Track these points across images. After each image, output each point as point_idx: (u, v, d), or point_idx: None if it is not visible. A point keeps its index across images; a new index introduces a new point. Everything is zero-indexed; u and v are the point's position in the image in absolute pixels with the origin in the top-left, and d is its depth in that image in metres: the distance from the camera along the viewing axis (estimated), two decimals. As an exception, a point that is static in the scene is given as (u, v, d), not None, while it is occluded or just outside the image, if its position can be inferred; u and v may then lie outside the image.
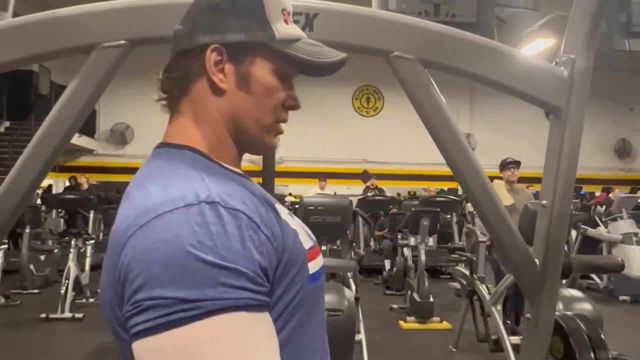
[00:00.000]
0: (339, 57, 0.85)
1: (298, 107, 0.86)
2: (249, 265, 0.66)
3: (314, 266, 0.79)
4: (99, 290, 0.79)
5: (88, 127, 14.64)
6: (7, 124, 13.29)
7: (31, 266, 7.15)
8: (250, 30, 0.79)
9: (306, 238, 0.81)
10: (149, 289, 0.62)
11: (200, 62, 0.79)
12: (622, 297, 7.06)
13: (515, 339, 3.87)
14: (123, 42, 1.17)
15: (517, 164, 5.25)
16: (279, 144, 0.88)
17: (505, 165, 5.28)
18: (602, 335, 2.02)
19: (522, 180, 5.44)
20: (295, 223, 0.81)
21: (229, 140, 0.83)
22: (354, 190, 12.43)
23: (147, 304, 0.62)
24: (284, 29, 0.82)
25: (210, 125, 0.81)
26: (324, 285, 0.86)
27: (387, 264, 7.92)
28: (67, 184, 12.69)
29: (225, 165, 0.82)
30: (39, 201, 10.05)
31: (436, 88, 1.35)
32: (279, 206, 0.80)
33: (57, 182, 13.60)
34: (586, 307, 2.92)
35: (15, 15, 1.41)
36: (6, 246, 6.82)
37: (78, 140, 13.55)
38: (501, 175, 5.29)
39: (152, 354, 0.62)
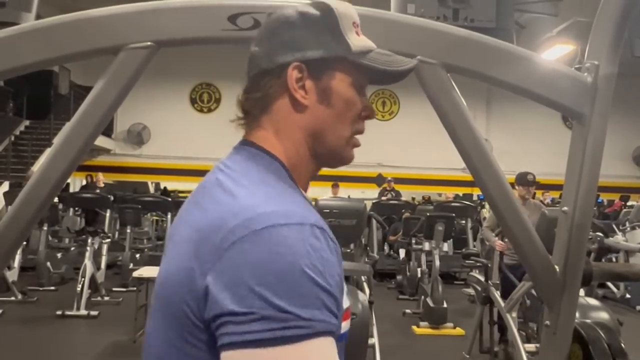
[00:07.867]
0: (410, 65, 0.87)
1: (374, 116, 0.88)
2: (340, 294, 0.69)
3: (343, 327, 0.79)
4: (159, 269, 0.77)
5: (106, 127, 14.75)
6: (27, 122, 13.48)
7: (48, 263, 7.25)
8: (328, 45, 0.81)
9: (345, 297, 0.81)
10: (266, 298, 0.62)
11: (282, 80, 0.81)
12: (639, 307, 6.96)
13: (529, 347, 3.83)
14: (150, 43, 1.18)
15: (535, 183, 5.20)
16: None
17: (524, 182, 5.21)
18: (622, 344, 1.99)
19: (537, 187, 5.37)
20: None
21: (308, 156, 0.84)
22: (368, 194, 12.40)
23: (264, 313, 0.62)
24: (358, 41, 0.84)
25: (291, 141, 0.82)
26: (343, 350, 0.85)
27: (402, 252, 8.11)
28: (84, 182, 12.83)
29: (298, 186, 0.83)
30: (56, 199, 10.18)
31: (458, 92, 1.34)
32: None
33: (74, 181, 13.74)
34: (604, 315, 2.88)
35: (37, 16, 1.43)
36: (24, 243, 6.91)
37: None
38: (516, 188, 5.23)
39: None
